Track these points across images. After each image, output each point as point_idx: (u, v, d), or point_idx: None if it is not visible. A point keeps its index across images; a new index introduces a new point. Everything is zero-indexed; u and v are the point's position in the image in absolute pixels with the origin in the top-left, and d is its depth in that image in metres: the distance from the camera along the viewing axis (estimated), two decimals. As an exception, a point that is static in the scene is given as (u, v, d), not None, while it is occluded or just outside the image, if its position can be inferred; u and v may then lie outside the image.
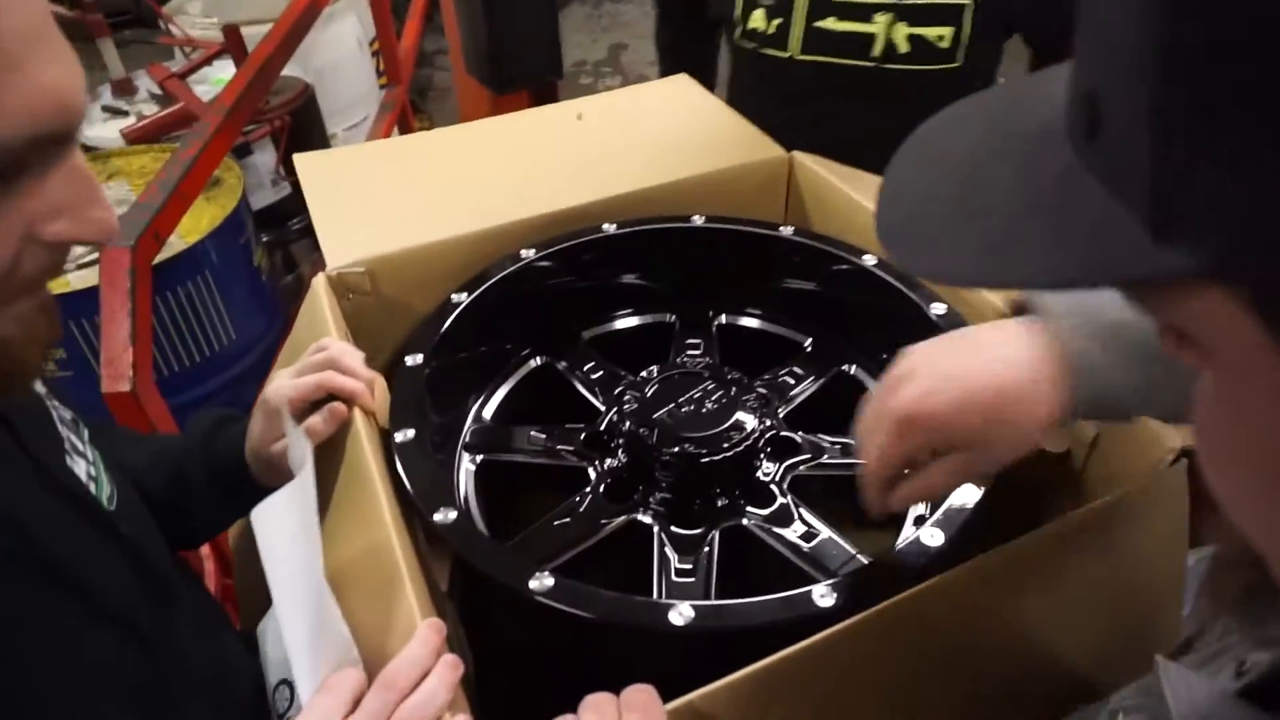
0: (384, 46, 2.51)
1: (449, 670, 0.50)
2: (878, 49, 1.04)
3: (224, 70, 2.08)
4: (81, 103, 0.39)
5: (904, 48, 1.03)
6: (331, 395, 0.65)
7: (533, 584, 0.56)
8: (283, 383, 0.67)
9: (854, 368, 0.86)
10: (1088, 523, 0.58)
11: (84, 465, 0.57)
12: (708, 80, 1.29)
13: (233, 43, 1.88)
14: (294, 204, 2.02)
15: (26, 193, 0.38)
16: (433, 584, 0.59)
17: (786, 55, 1.09)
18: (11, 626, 0.45)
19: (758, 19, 1.10)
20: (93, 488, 0.57)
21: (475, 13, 1.66)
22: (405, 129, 2.65)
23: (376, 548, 0.58)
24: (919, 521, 0.63)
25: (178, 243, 1.52)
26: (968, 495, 0.62)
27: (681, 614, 0.54)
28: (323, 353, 0.68)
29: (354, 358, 0.68)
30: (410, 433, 0.67)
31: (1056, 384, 0.49)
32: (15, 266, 0.39)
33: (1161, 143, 0.21)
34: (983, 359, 0.51)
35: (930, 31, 1.02)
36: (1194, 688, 0.36)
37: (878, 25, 1.03)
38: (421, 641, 0.50)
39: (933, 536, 0.60)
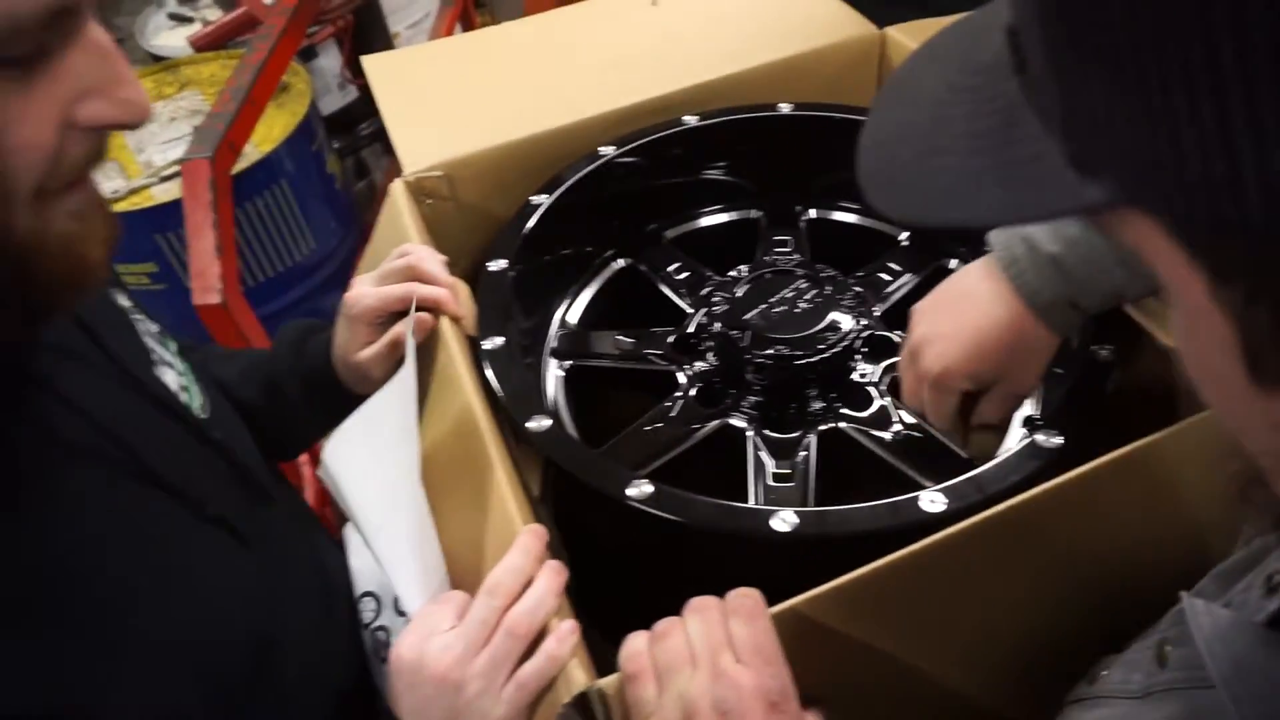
0: (440, -62, 2.42)
1: (554, 576, 0.50)
2: None
3: (284, -29, 2.03)
4: None
5: None
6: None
7: (630, 491, 0.56)
8: (365, 290, 0.66)
9: (954, 262, 0.81)
10: (1196, 428, 0.54)
11: (173, 375, 0.57)
12: None
13: (291, -59, 1.82)
14: (363, 108, 2.00)
15: (53, 76, 0.37)
16: (527, 490, 0.59)
17: None
18: (121, 531, 0.46)
19: None
20: (183, 396, 0.57)
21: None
22: (468, 25, 2.58)
23: (471, 455, 0.58)
24: (1030, 423, 0.60)
25: (253, 152, 1.52)
26: (1090, 397, 0.58)
27: (785, 520, 0.53)
28: (404, 258, 0.67)
29: (435, 263, 0.67)
30: (499, 340, 0.66)
31: (1028, 314, 0.55)
32: (60, 156, 0.38)
33: (1064, 80, 0.21)
34: (980, 310, 0.57)
35: None
36: (1220, 624, 0.34)
37: None
38: (523, 549, 0.50)
39: (1049, 437, 0.57)
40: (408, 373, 0.58)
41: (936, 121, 0.29)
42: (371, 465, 0.54)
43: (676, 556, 0.62)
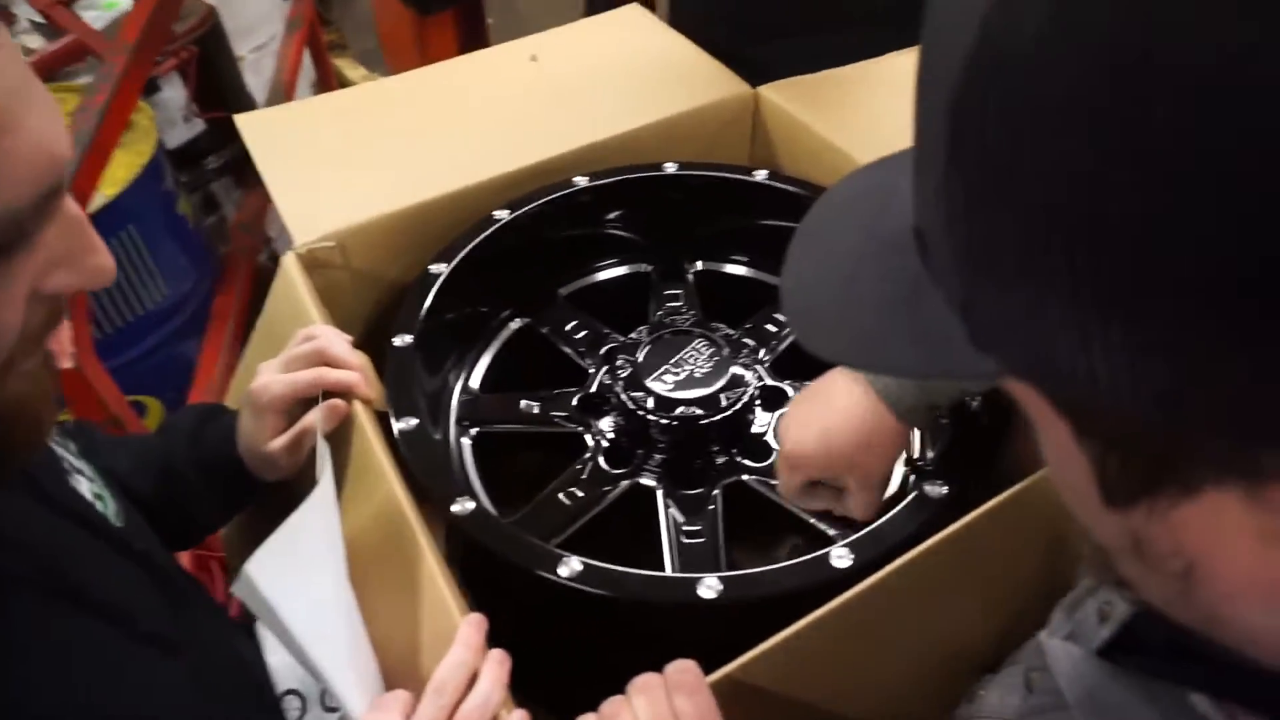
0: (284, -44, 2.33)
1: (498, 667, 0.51)
2: None
3: (112, -8, 1.90)
4: (69, 145, 0.37)
5: None
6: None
7: (562, 570, 0.58)
8: (272, 378, 0.65)
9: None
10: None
11: (86, 484, 0.56)
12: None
13: (122, -36, 1.71)
14: (210, 140, 1.91)
15: (28, 253, 0.37)
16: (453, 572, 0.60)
17: None
18: (58, 663, 0.44)
19: None
20: (99, 506, 0.55)
21: (393, -73, 1.55)
22: (317, 46, 2.50)
23: (397, 542, 0.59)
24: (919, 473, 0.66)
25: (97, 196, 1.42)
26: (969, 445, 0.65)
27: (710, 587, 0.57)
28: (310, 343, 0.66)
29: (343, 345, 0.67)
30: (413, 421, 0.66)
31: (888, 415, 0.61)
32: (24, 327, 0.38)
33: (964, 280, 0.25)
34: (840, 403, 0.62)
35: None
36: (1073, 659, 0.41)
37: None
38: (465, 643, 0.51)
39: (936, 488, 0.63)
40: (325, 478, 0.58)
41: (849, 280, 0.32)
42: (300, 578, 0.53)
43: (607, 629, 0.64)
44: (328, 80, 2.60)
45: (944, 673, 0.58)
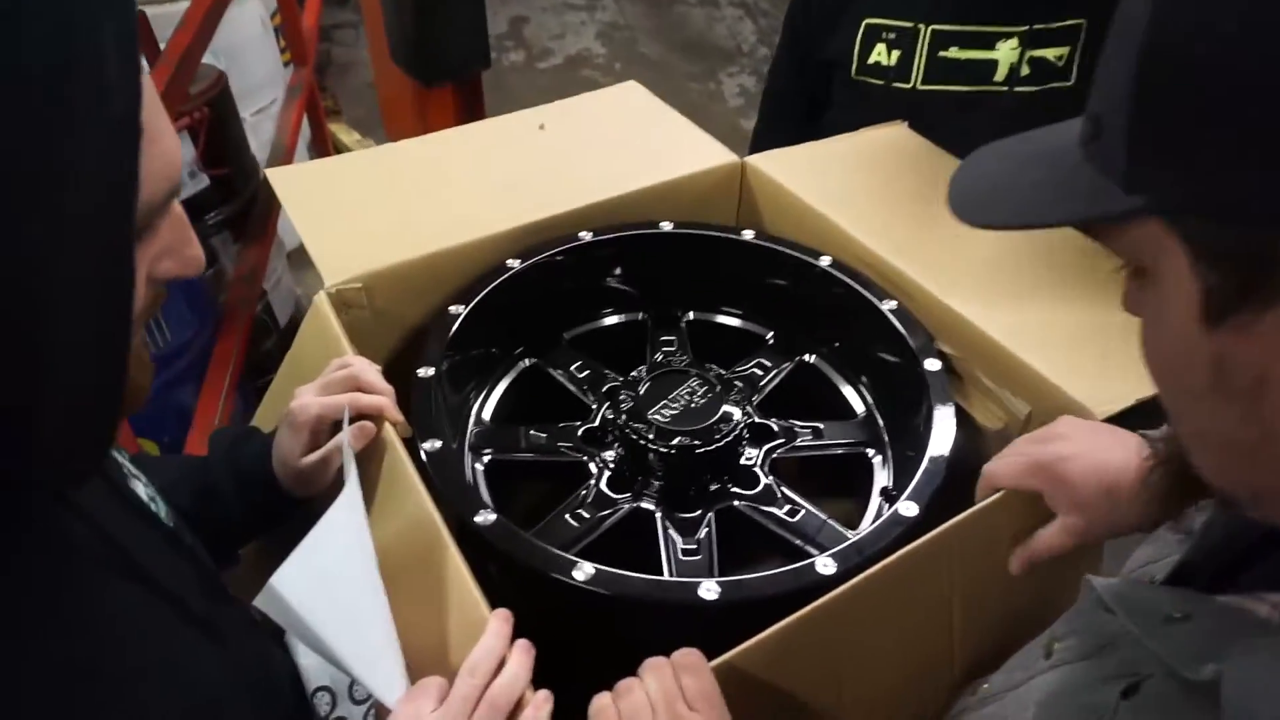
0: (288, 25, 2.45)
1: (525, 654, 0.57)
2: (1001, 74, 1.07)
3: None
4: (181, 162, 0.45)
5: (1024, 70, 1.06)
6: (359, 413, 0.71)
7: (576, 574, 0.64)
8: (309, 400, 0.71)
9: (813, 357, 0.96)
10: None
11: (141, 487, 0.61)
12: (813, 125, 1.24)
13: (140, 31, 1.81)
14: (212, 196, 1.98)
15: (149, 242, 0.44)
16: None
17: (909, 86, 1.11)
18: (132, 629, 0.50)
19: (879, 53, 1.12)
20: (152, 506, 0.61)
21: (404, 3, 1.67)
22: (314, 112, 2.61)
23: (427, 549, 0.65)
24: (888, 495, 0.74)
25: (109, 245, 1.49)
26: (934, 474, 0.73)
27: (710, 589, 0.63)
28: (345, 369, 0.73)
29: (374, 373, 0.74)
30: (437, 443, 0.73)
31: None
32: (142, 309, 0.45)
33: (1133, 144, 0.35)
34: (1123, 448, 0.63)
35: (1050, 52, 1.05)
36: (1116, 586, 0.49)
37: (1001, 52, 1.06)
38: (495, 633, 0.57)
39: (908, 508, 0.71)
40: (353, 486, 0.63)
41: (1017, 171, 0.43)
42: (329, 582, 0.58)
43: (616, 625, 0.70)
44: (324, 143, 2.71)
45: (916, 666, 0.65)
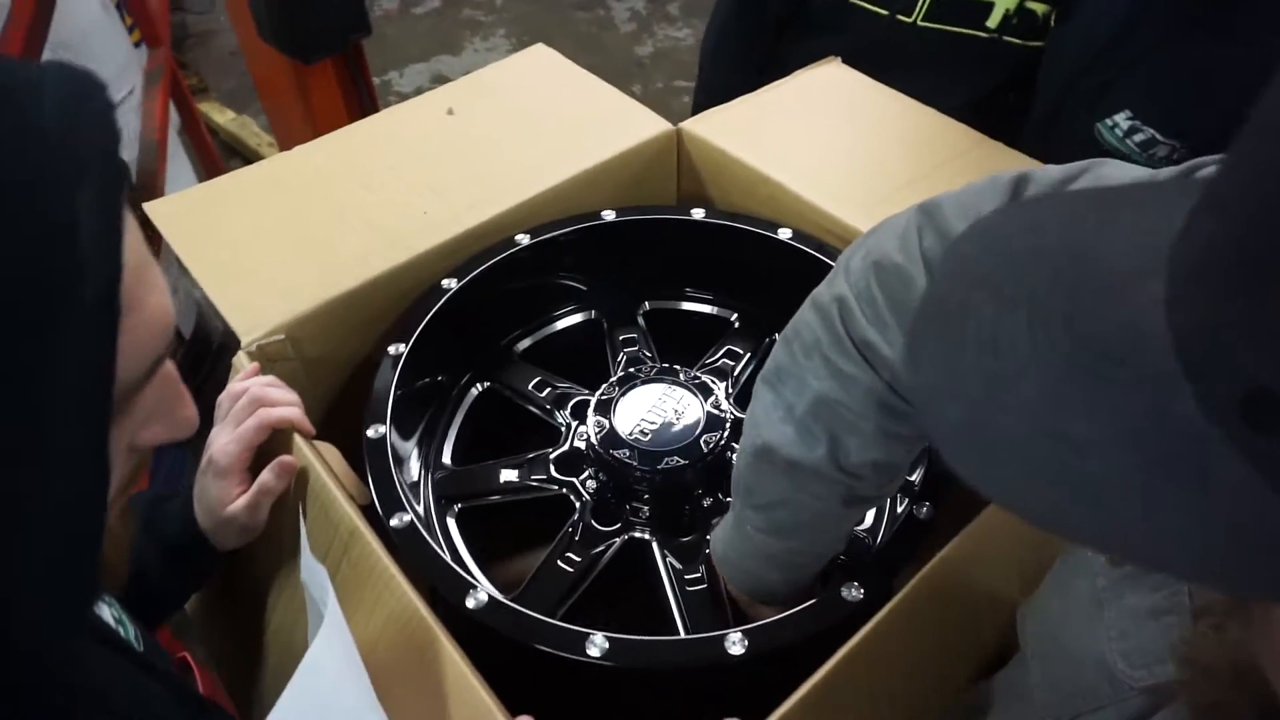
0: (132, 2, 2.20)
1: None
2: (995, 19, 1.05)
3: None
4: (174, 313, 0.38)
5: (1014, 19, 1.05)
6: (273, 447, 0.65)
7: (590, 650, 0.58)
8: (224, 440, 0.66)
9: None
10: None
11: (107, 610, 0.55)
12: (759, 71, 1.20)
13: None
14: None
15: (130, 412, 0.38)
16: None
17: (910, 20, 1.08)
18: None
19: None
20: (121, 631, 0.55)
21: (263, -25, 1.49)
22: (180, 95, 2.38)
23: (420, 648, 0.58)
24: (912, 497, 0.69)
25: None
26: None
27: (737, 642, 0.58)
28: (244, 395, 0.68)
29: (277, 388, 0.69)
30: (405, 517, 0.65)
31: None
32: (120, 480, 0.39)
33: None
34: None
35: (1040, 7, 1.04)
36: None
37: None
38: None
39: (922, 509, 0.66)
40: (331, 608, 0.56)
41: (1052, 399, 0.25)
42: (325, 711, 0.52)
43: (634, 695, 0.65)
44: (196, 127, 2.48)
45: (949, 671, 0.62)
